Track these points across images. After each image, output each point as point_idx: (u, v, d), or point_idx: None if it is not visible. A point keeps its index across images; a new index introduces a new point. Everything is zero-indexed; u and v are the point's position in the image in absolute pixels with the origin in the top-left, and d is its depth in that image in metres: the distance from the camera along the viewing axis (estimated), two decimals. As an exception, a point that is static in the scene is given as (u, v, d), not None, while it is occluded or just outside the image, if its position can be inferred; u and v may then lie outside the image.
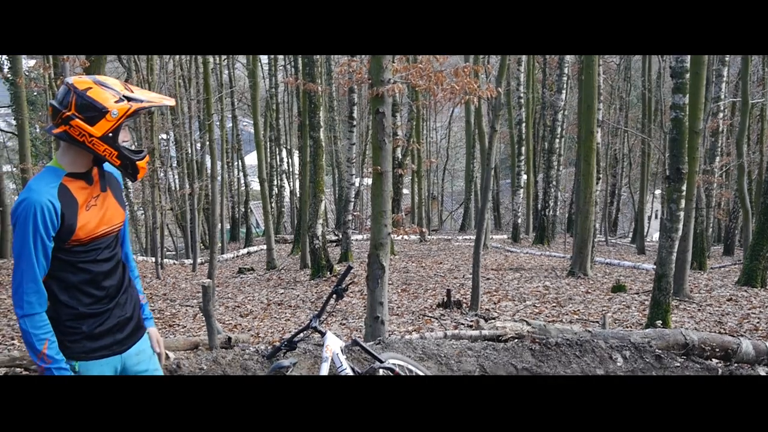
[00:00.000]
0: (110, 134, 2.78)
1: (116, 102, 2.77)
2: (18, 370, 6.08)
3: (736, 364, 6.38)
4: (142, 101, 2.81)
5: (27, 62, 26.62)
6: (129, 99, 2.80)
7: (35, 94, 25.88)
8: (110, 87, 2.78)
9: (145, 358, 3.10)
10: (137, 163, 2.89)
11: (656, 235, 28.53)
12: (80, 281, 2.85)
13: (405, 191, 32.01)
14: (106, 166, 2.98)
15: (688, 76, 8.63)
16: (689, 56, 8.53)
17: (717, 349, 6.38)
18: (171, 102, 2.98)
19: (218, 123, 25.44)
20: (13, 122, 25.18)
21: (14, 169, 29.00)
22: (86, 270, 2.86)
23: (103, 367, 2.89)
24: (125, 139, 2.85)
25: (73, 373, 2.79)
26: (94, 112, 2.74)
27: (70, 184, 2.82)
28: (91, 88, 2.75)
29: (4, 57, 23.81)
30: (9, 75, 20.89)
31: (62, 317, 2.84)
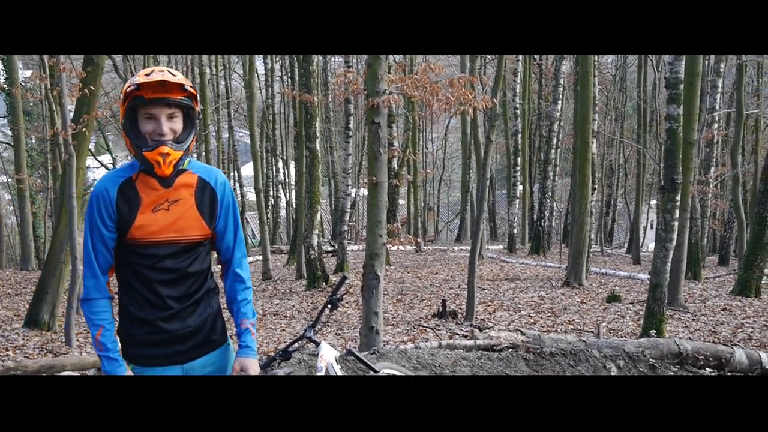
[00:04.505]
0: (124, 121, 2.61)
1: (127, 87, 2.56)
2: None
3: (729, 373, 6.41)
4: (137, 82, 2.52)
5: (23, 72, 26.65)
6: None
7: (31, 104, 25.87)
8: (140, 72, 2.57)
9: (214, 372, 2.82)
10: (144, 153, 2.56)
11: (652, 245, 28.53)
12: (137, 282, 2.68)
13: (401, 202, 32.04)
14: (211, 176, 2.79)
15: (682, 86, 8.68)
16: (683, 67, 8.57)
17: (711, 359, 6.41)
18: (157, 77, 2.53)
19: (215, 134, 25.49)
20: (9, 133, 25.16)
21: (10, 179, 28.97)
22: (142, 273, 2.66)
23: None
24: (150, 130, 2.58)
25: (126, 367, 2.64)
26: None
27: (140, 180, 2.66)
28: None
29: (1, 68, 23.88)
30: (5, 85, 20.89)
31: (122, 317, 2.72)
